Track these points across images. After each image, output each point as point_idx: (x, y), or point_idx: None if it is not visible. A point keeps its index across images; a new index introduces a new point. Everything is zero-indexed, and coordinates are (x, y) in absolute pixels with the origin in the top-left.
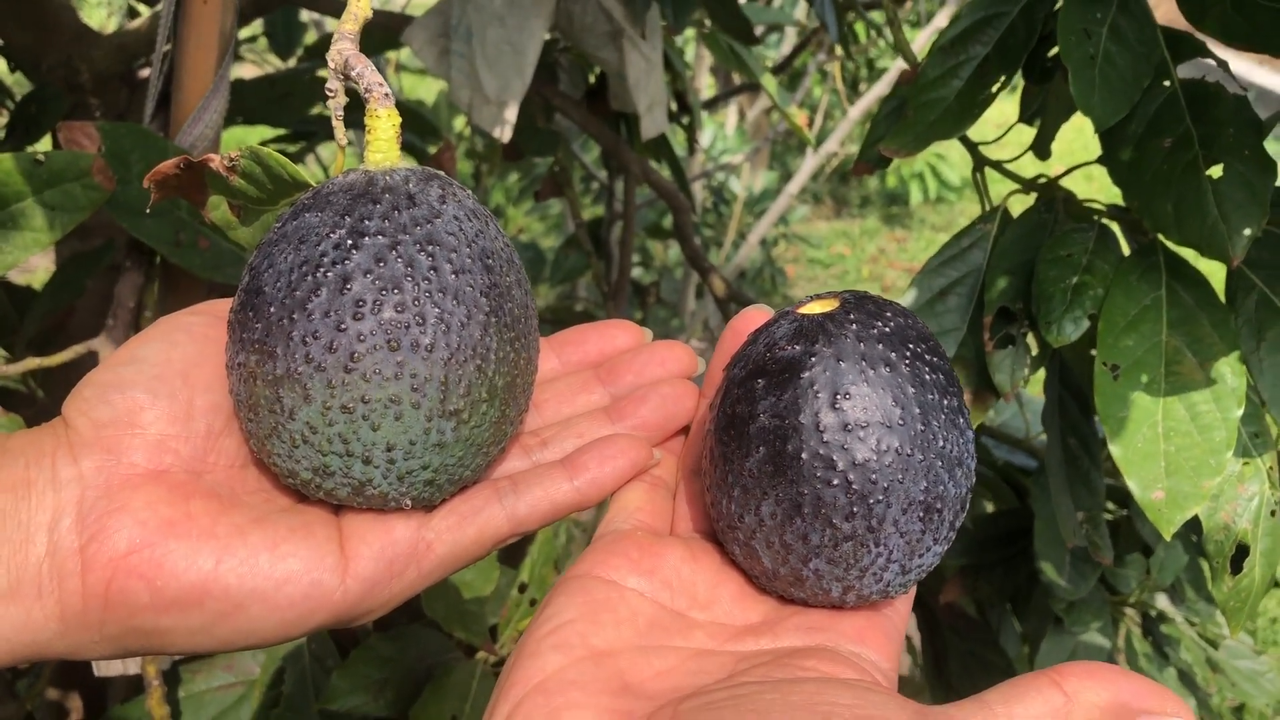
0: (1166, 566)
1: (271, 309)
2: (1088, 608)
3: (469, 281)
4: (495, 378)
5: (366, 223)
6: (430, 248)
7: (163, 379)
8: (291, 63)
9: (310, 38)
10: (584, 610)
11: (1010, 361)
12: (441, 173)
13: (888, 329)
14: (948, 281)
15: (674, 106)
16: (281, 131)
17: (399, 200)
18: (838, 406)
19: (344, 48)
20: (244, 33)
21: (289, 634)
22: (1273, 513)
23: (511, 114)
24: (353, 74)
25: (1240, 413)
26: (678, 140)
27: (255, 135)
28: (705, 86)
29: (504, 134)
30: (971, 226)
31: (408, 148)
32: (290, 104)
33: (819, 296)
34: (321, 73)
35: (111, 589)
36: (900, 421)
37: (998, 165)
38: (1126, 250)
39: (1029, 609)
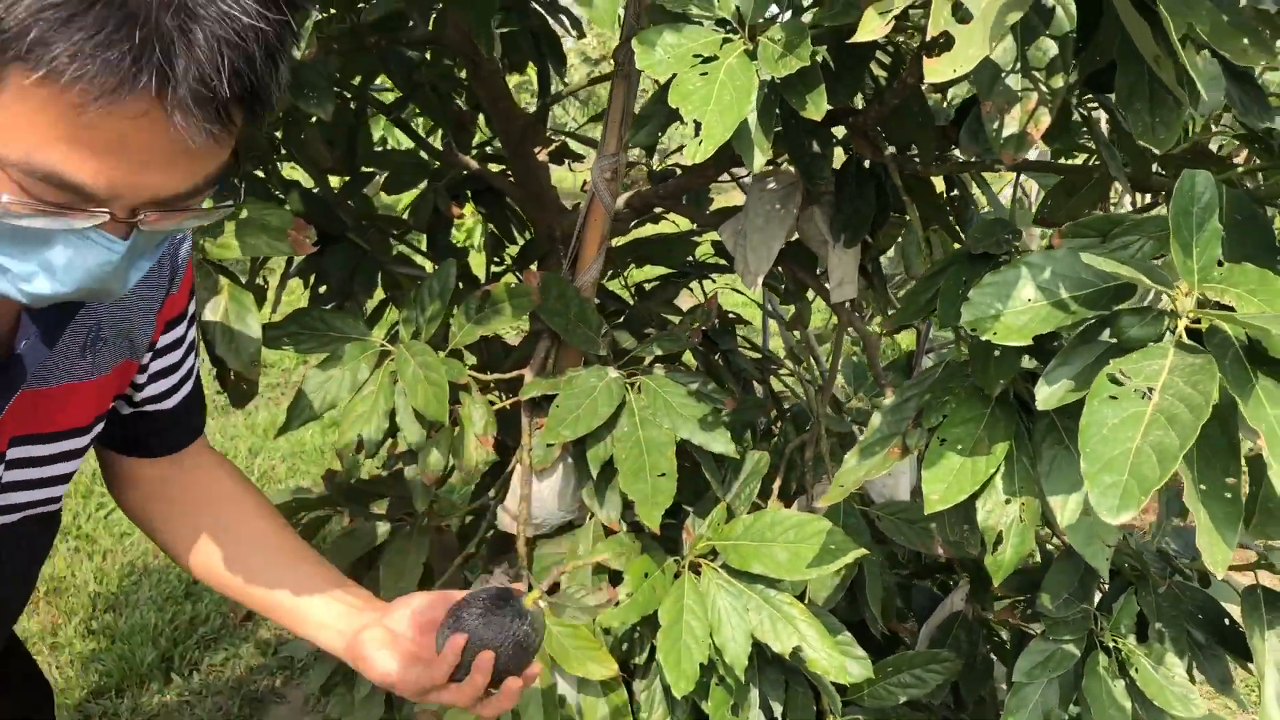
0: (1123, 611)
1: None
2: (1065, 626)
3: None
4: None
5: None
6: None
7: (401, 613)
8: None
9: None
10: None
11: (918, 435)
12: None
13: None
14: (912, 394)
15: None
16: (669, 270)
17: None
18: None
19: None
20: None
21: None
22: (1022, 520)
23: (760, 280)
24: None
25: (998, 470)
26: None
27: (654, 271)
28: None
29: (755, 288)
30: (933, 368)
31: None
32: (674, 255)
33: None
34: (700, 238)
35: (360, 655)
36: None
37: (956, 338)
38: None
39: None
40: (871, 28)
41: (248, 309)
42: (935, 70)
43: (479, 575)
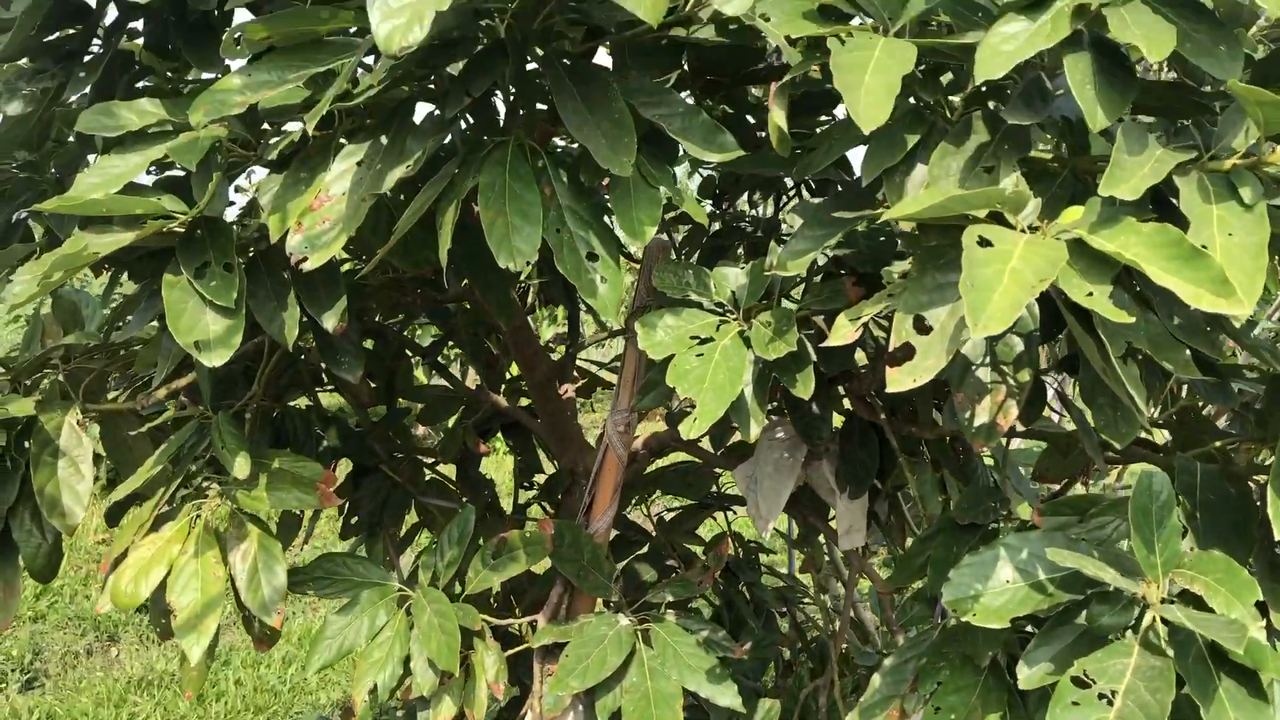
0: None
1: None
2: None
3: None
4: None
5: None
6: None
7: None
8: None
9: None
10: None
11: (915, 699)
12: None
13: None
14: (910, 656)
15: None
16: (690, 502)
17: None
18: None
19: None
20: None
21: None
22: None
23: (770, 526)
24: None
25: None
26: None
27: (671, 502)
28: None
29: (765, 534)
30: (930, 629)
31: None
32: (695, 487)
33: None
34: (723, 481)
35: None
36: None
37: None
38: None
39: None
40: (843, 333)
41: (275, 558)
42: (896, 380)
43: None
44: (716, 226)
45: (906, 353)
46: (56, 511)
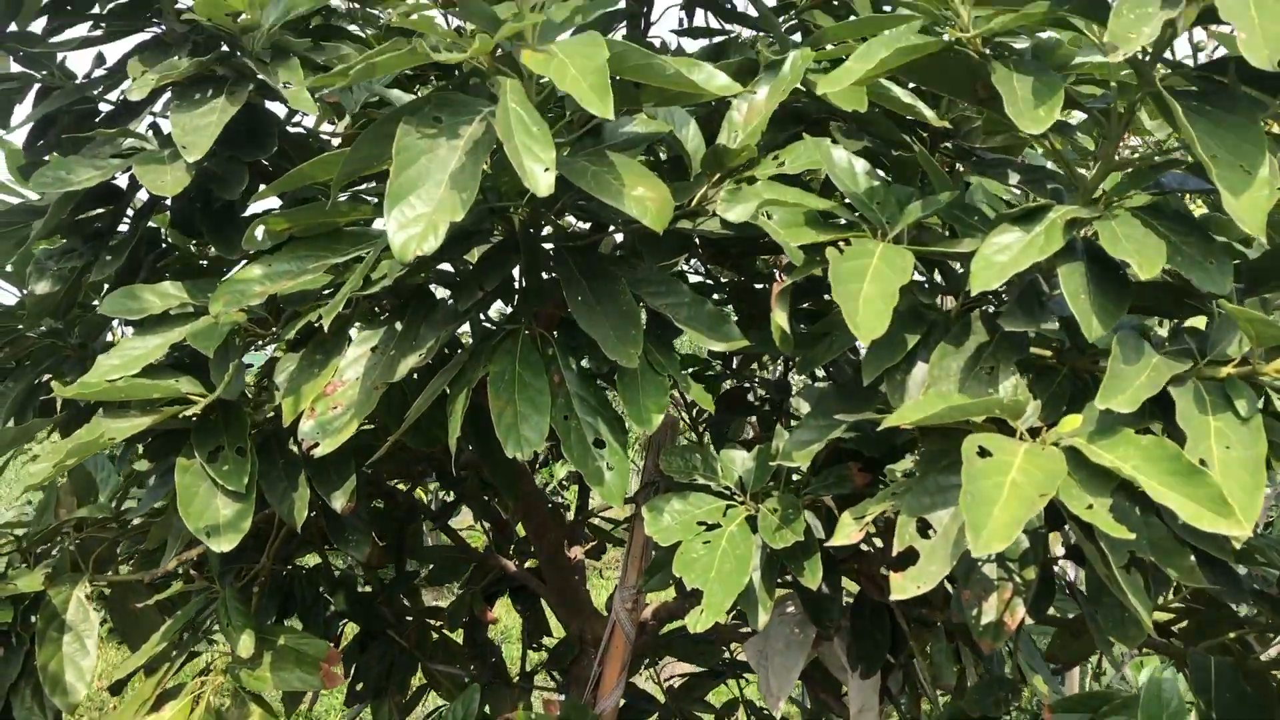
0: None
1: None
2: None
3: None
4: None
5: None
6: None
7: None
8: None
9: None
10: None
11: None
12: None
13: None
14: None
15: None
16: (700, 668)
17: None
18: None
19: None
20: None
21: None
22: None
23: (781, 703)
24: None
25: None
26: None
27: (681, 665)
28: None
29: (777, 712)
30: None
31: None
32: (705, 656)
33: None
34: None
35: None
36: None
37: None
38: None
39: None
40: (847, 533)
41: None
42: (900, 587)
43: None
44: (727, 385)
45: (910, 557)
46: (59, 689)
